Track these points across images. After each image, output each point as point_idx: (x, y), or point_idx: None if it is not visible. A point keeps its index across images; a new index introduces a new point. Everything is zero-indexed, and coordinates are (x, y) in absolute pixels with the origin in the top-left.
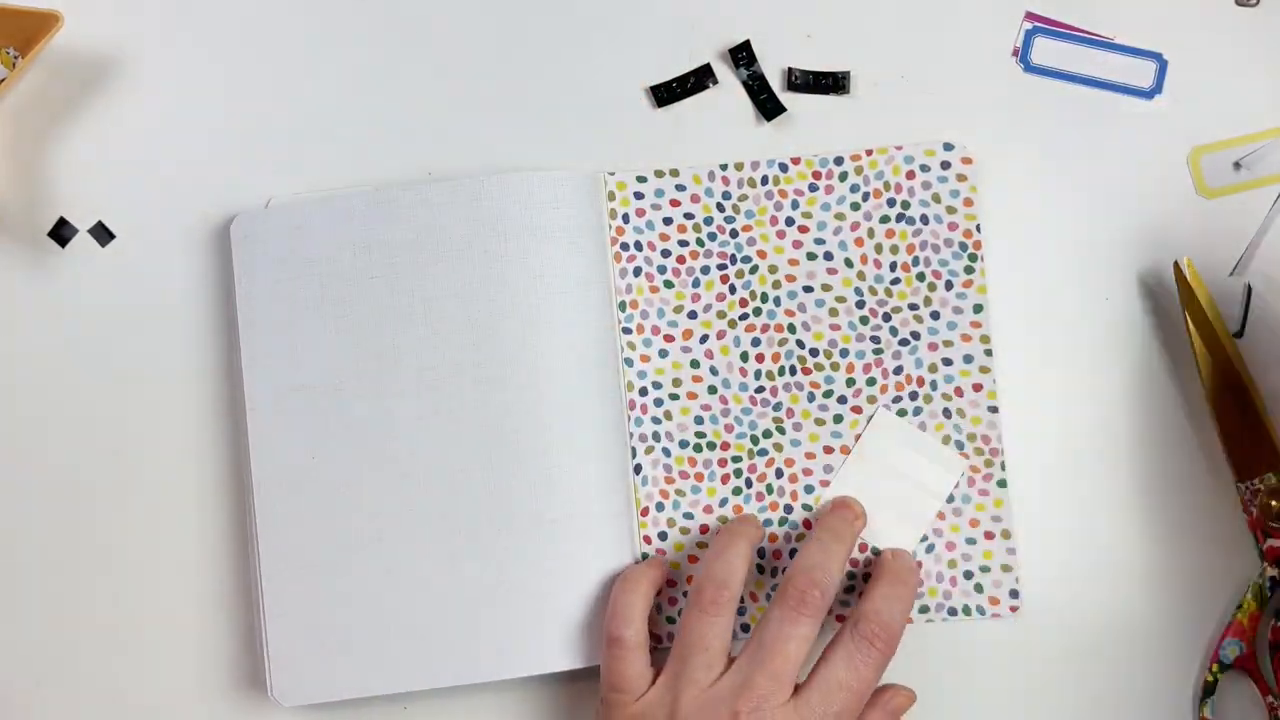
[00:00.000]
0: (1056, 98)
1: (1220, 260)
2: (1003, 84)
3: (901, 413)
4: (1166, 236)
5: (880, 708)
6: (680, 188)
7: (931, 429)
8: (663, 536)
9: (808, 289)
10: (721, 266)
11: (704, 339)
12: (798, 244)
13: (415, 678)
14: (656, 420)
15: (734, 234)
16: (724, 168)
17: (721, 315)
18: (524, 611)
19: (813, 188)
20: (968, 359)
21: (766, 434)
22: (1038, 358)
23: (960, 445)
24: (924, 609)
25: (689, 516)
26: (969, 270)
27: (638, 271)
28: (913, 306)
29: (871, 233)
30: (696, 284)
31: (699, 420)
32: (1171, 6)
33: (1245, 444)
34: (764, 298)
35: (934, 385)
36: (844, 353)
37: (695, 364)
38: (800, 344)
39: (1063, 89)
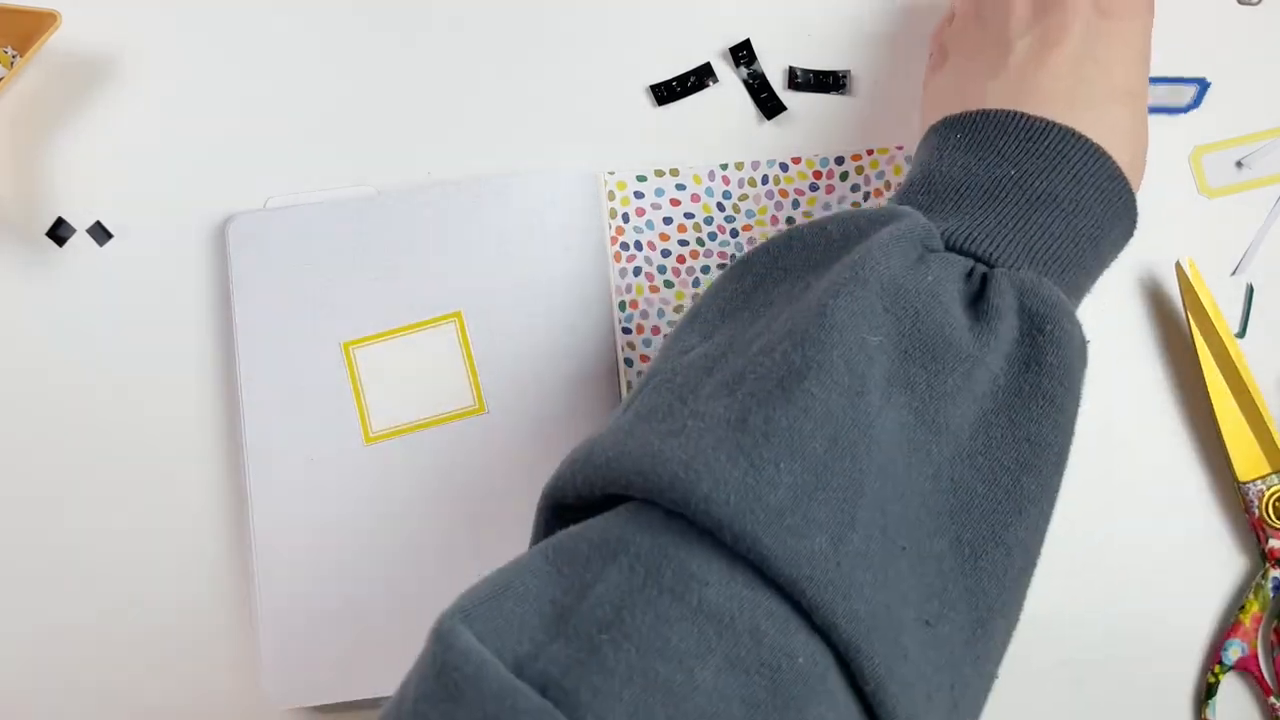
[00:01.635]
0: None
1: (1222, 260)
2: None
3: None
4: (1168, 236)
5: None
6: (680, 187)
7: None
8: None
9: None
10: (722, 266)
11: None
12: None
13: None
14: None
15: (734, 234)
16: (724, 167)
17: None
18: None
19: (813, 187)
20: None
21: None
22: None
23: None
24: None
25: None
26: None
27: (638, 271)
28: None
29: None
30: (696, 284)
31: None
32: (1172, 6)
33: (1247, 444)
34: None
35: None
36: None
37: None
38: None
39: None
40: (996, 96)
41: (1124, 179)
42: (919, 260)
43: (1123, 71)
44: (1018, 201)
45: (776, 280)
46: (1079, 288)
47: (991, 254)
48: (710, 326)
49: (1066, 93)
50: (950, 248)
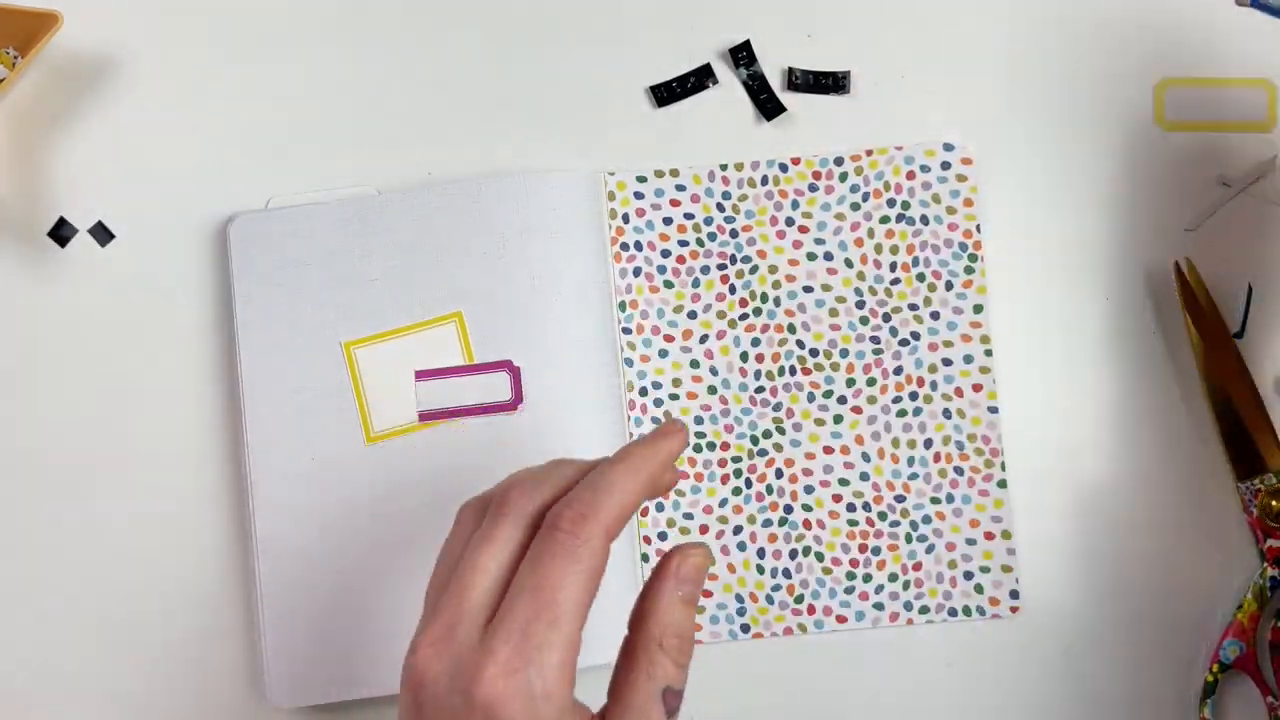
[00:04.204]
0: (1057, 98)
1: (1221, 260)
2: (1003, 83)
3: (901, 413)
4: (1166, 236)
5: (671, 577)
6: (680, 188)
7: (931, 429)
8: (663, 537)
9: (808, 289)
10: (721, 266)
11: (704, 339)
12: (798, 244)
13: None
14: (656, 420)
15: (734, 234)
16: (724, 168)
17: (721, 315)
18: None
19: (813, 188)
20: (968, 359)
21: (766, 434)
22: (1038, 358)
23: (960, 446)
24: (924, 609)
25: (689, 517)
26: (969, 270)
27: (638, 271)
28: (913, 307)
29: (871, 233)
30: (696, 284)
31: (699, 420)
32: (1171, 6)
33: (1245, 444)
34: (764, 298)
35: (934, 385)
36: (844, 353)
37: (695, 364)
38: (800, 344)
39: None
40: None
41: None
42: None
43: None
44: None
45: None
46: None
47: None
48: None
49: None
50: None
